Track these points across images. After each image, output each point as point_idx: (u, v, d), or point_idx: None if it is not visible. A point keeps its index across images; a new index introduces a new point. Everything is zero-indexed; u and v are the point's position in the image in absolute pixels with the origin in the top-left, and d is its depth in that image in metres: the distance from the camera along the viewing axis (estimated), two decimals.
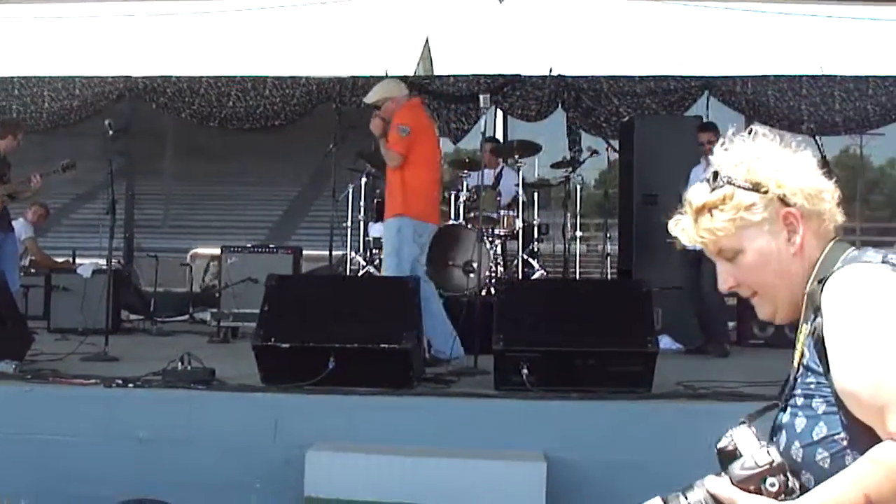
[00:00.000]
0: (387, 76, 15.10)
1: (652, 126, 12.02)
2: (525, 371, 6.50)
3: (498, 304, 7.05)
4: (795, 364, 2.43)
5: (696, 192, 2.58)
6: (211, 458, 6.22)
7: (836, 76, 14.85)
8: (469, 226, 9.97)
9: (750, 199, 2.46)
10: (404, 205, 8.45)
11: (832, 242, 2.46)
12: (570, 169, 11.90)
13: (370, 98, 8.90)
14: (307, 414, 6.30)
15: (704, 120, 11.11)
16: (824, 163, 8.46)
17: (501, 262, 10.74)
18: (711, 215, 2.53)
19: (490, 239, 10.33)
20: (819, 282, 2.36)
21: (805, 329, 2.40)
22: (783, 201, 2.44)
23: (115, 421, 6.39)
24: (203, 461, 6.21)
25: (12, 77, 15.93)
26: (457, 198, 10.42)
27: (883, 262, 2.32)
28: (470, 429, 6.20)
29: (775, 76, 14.88)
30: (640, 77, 14.95)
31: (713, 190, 2.52)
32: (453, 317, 9.26)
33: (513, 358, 6.58)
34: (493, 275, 10.16)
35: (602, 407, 6.26)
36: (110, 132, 9.30)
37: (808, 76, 14.89)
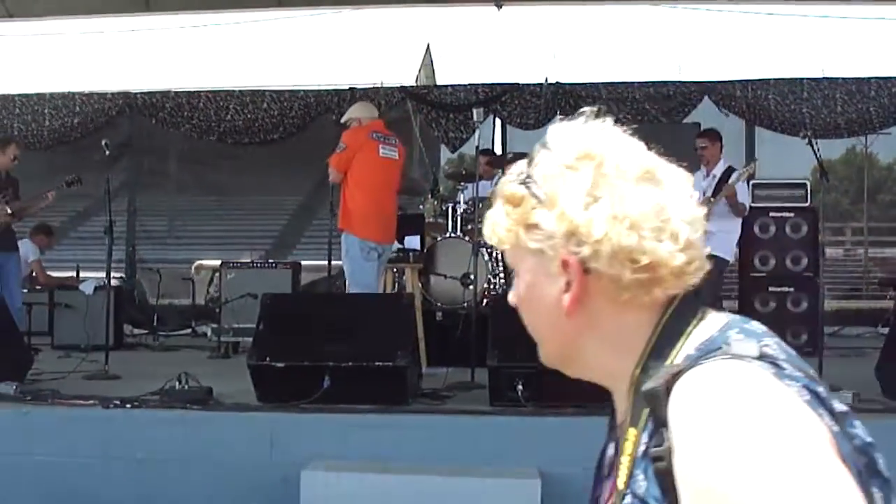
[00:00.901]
0: (382, 87, 15.18)
1: (650, 134, 11.87)
2: (520, 387, 6.51)
3: (492, 320, 7.05)
4: (620, 485, 1.65)
5: (504, 180, 1.85)
6: (208, 478, 6.25)
7: (837, 78, 14.81)
8: (466, 238, 9.97)
9: (536, 216, 1.73)
10: (344, 222, 9.03)
11: (672, 308, 1.71)
12: None
13: (343, 118, 9.62)
14: (303, 432, 6.33)
15: (702, 126, 11.07)
16: (822, 172, 8.50)
17: (501, 274, 10.72)
18: (505, 213, 1.79)
19: (488, 251, 10.33)
20: (649, 373, 1.63)
21: (633, 436, 1.65)
22: (568, 239, 1.69)
23: (113, 442, 6.43)
24: (200, 481, 6.25)
25: (13, 95, 16.01)
26: (454, 210, 10.41)
27: (760, 356, 1.57)
28: (465, 445, 6.22)
29: (776, 79, 14.85)
30: (638, 83, 14.95)
31: (516, 183, 1.81)
32: (451, 330, 9.34)
33: (507, 373, 6.59)
34: (492, 287, 10.16)
35: (597, 422, 6.19)
36: (107, 153, 9.35)
37: (809, 79, 14.85)
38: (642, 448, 1.61)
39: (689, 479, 1.47)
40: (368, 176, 9.04)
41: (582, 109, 1.86)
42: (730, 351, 1.57)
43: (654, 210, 1.66)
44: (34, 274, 12.77)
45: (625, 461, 1.64)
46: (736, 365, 1.53)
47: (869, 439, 1.54)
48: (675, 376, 1.55)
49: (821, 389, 1.52)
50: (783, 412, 1.46)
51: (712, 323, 1.69)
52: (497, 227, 1.77)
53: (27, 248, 12.16)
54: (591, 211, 1.66)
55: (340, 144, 9.07)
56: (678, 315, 1.70)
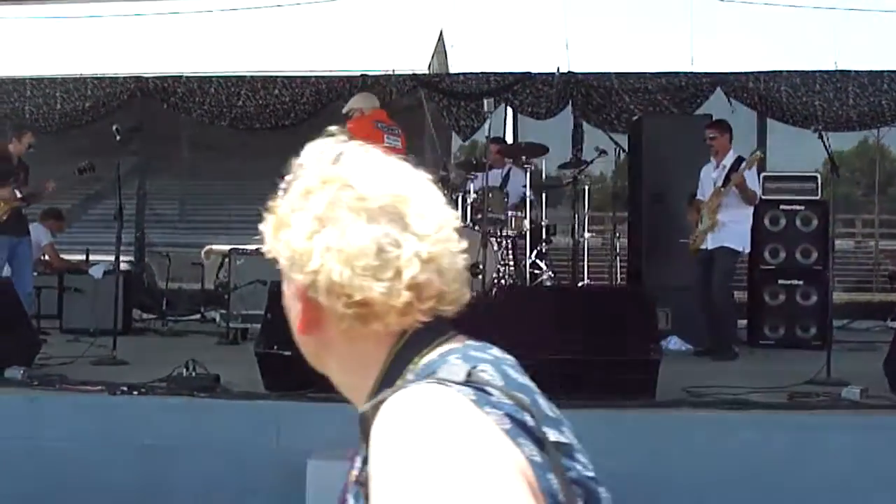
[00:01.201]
0: (394, 74, 15.17)
1: (661, 125, 12.02)
2: None
3: (498, 314, 7.03)
4: None
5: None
6: (214, 465, 6.26)
7: (850, 71, 14.75)
8: (476, 227, 9.96)
9: (280, 234, 1.73)
10: None
11: (404, 340, 1.68)
12: (577, 169, 11.86)
13: (344, 109, 9.72)
14: (309, 421, 6.32)
15: (714, 118, 11.04)
16: (832, 166, 8.48)
17: (512, 264, 10.71)
18: (267, 222, 1.76)
19: (498, 240, 10.31)
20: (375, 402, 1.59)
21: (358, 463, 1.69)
22: (291, 265, 1.70)
23: (120, 428, 6.44)
24: (206, 469, 6.26)
25: (24, 78, 16.03)
26: (464, 199, 10.40)
27: (466, 381, 1.55)
28: None
29: (788, 71, 14.82)
30: (651, 74, 14.91)
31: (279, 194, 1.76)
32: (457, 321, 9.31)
33: None
34: (502, 276, 10.15)
35: (604, 416, 6.24)
36: (118, 137, 9.36)
37: (821, 71, 14.81)
38: (354, 473, 1.69)
39: (375, 497, 1.45)
40: None
41: (331, 129, 1.83)
42: (435, 376, 1.56)
43: (374, 247, 1.63)
44: (47, 258, 12.79)
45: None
46: (433, 390, 1.53)
47: (590, 473, 1.59)
48: (382, 401, 1.55)
49: (527, 418, 1.53)
50: (467, 439, 1.44)
51: (443, 349, 1.67)
52: (263, 234, 1.76)
53: (39, 232, 12.20)
54: (314, 240, 1.65)
55: (347, 136, 8.94)
56: (410, 345, 1.68)
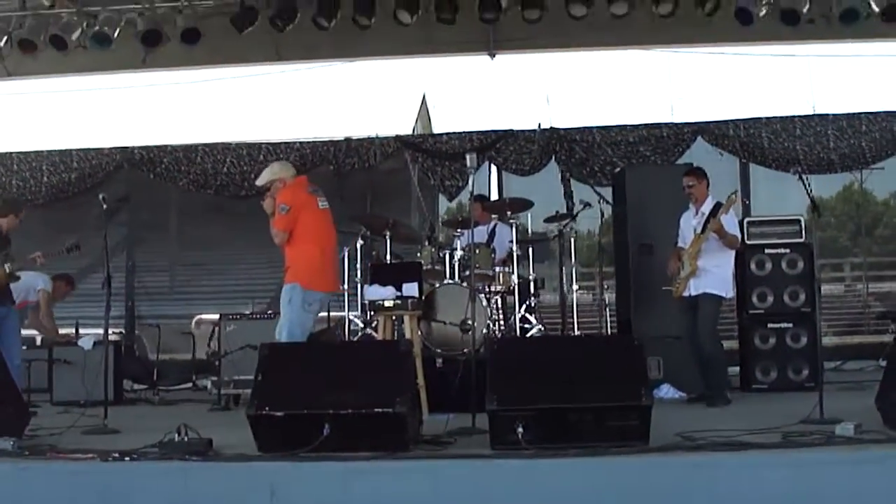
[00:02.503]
0: (377, 138, 15.27)
1: (643, 175, 12.05)
2: (520, 430, 6.51)
3: (490, 364, 7.05)
4: None
5: None
6: None
7: (828, 115, 14.94)
8: (464, 284, 9.99)
9: None
10: (294, 275, 9.13)
11: None
12: (563, 223, 11.91)
13: (260, 181, 9.53)
14: (304, 481, 6.29)
15: (694, 165, 11.12)
16: (813, 206, 8.53)
17: (501, 319, 10.72)
18: None
19: (487, 296, 10.33)
20: None
21: None
22: None
23: (112, 494, 6.39)
24: None
25: (11, 153, 16.10)
26: (451, 256, 10.44)
27: None
28: (467, 489, 6.18)
29: (768, 118, 14.98)
30: (632, 126, 15.03)
31: None
32: (451, 376, 9.33)
33: (507, 417, 6.58)
34: (492, 332, 10.16)
35: (599, 463, 6.24)
36: (104, 206, 9.39)
37: (800, 116, 15.00)
38: None
39: None
40: (316, 229, 9.29)
41: None
42: None
43: None
44: (38, 304, 12.64)
45: None
46: None
47: None
48: None
49: None
50: None
51: None
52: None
53: (38, 278, 12.17)
54: None
55: (282, 206, 9.13)
56: None
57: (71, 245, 10.64)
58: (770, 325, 11.29)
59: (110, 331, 9.96)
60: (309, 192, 9.47)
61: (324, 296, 9.37)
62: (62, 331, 13.20)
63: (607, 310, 12.15)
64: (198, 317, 15.36)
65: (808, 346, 11.13)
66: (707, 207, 10.10)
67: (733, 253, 10.21)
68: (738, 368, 11.53)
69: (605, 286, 12.26)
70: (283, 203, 9.15)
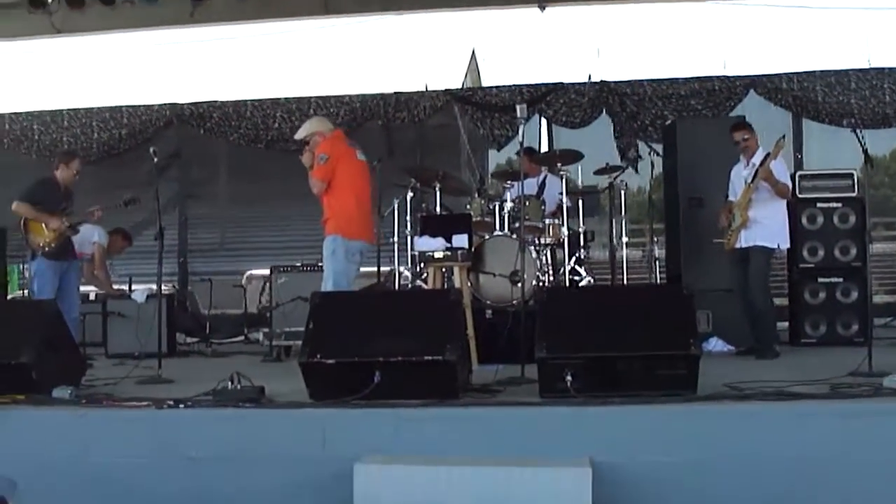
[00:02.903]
0: (427, 92, 15.26)
1: (694, 128, 11.99)
2: (569, 378, 6.52)
3: (540, 313, 7.06)
4: None
5: None
6: (262, 475, 6.29)
7: (884, 68, 14.77)
8: (514, 236, 9.99)
9: None
10: (335, 226, 9.30)
11: None
12: (614, 175, 11.88)
13: (299, 134, 9.78)
14: (355, 428, 6.35)
15: (747, 119, 11.04)
16: (866, 158, 8.45)
17: (550, 272, 10.73)
18: None
19: (536, 248, 10.33)
20: None
21: None
22: None
23: (167, 441, 6.48)
24: (254, 478, 6.29)
25: (62, 110, 16.28)
26: (501, 208, 10.44)
27: None
28: (516, 437, 6.22)
29: (822, 71, 14.84)
30: (683, 79, 14.95)
31: None
32: (500, 327, 9.36)
33: (556, 365, 6.60)
34: (542, 284, 10.16)
35: (646, 411, 6.26)
36: (155, 160, 9.48)
37: (855, 70, 14.83)
38: None
39: None
40: (355, 180, 9.47)
41: None
42: None
43: None
44: (93, 256, 12.80)
45: None
46: None
47: None
48: None
49: None
50: None
51: None
52: None
53: (94, 231, 12.33)
54: None
55: (321, 156, 9.30)
56: None
57: (129, 198, 10.79)
58: (820, 280, 11.27)
59: (163, 286, 10.08)
60: (348, 144, 9.67)
61: (364, 245, 9.51)
62: (115, 286, 13.36)
63: (657, 264, 12.14)
64: (248, 272, 15.46)
65: (857, 301, 11.10)
66: (758, 158, 10.04)
67: (784, 203, 10.15)
68: (786, 323, 11.51)
69: (655, 240, 12.23)
70: (323, 153, 9.32)
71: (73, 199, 11.00)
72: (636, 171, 12.33)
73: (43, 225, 10.59)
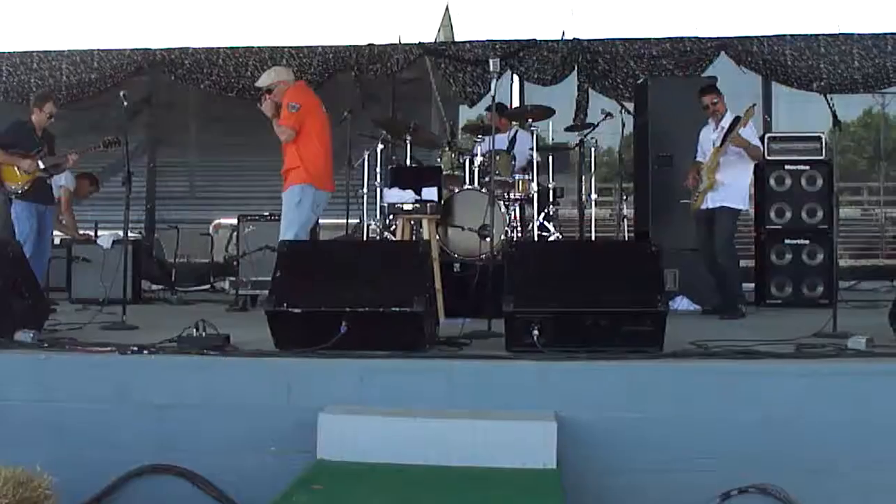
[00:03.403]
0: (400, 44, 15.18)
1: (665, 87, 12.00)
2: (536, 332, 6.53)
3: (508, 267, 7.05)
4: None
5: None
6: (225, 423, 6.28)
7: (853, 34, 14.81)
8: (483, 190, 9.98)
9: None
10: (306, 176, 9.23)
11: None
12: (584, 132, 11.89)
13: (262, 82, 9.70)
14: (320, 378, 6.33)
15: (720, 81, 11.04)
16: (835, 121, 8.48)
17: (518, 227, 10.74)
18: None
19: (506, 203, 10.33)
20: None
21: None
22: None
23: (130, 387, 6.44)
24: (217, 426, 6.28)
25: (31, 51, 16.12)
26: (471, 162, 10.43)
27: None
28: (481, 390, 6.22)
29: (792, 35, 14.87)
30: (655, 39, 14.94)
31: None
32: (468, 281, 9.36)
33: (523, 319, 6.60)
34: (510, 239, 10.16)
35: (612, 367, 6.27)
36: (124, 104, 9.41)
37: (825, 35, 14.86)
38: None
39: None
40: (322, 131, 9.45)
41: None
42: None
43: None
44: (59, 200, 12.71)
45: None
46: None
47: None
48: None
49: None
50: None
51: None
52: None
53: (62, 175, 12.23)
54: None
55: (291, 105, 9.24)
56: None
57: (109, 140, 10.62)
58: (787, 241, 11.35)
59: (129, 232, 10.03)
60: (315, 95, 9.73)
61: (328, 195, 9.52)
62: (81, 231, 13.27)
63: (625, 222, 12.17)
64: (216, 221, 15.42)
65: (823, 263, 11.22)
66: (726, 122, 10.08)
67: (751, 167, 10.21)
68: (752, 284, 11.58)
69: (624, 198, 12.26)
70: (294, 102, 9.26)
71: (55, 141, 11.00)
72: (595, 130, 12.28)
73: (15, 168, 10.51)
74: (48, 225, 10.92)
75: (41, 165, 10.54)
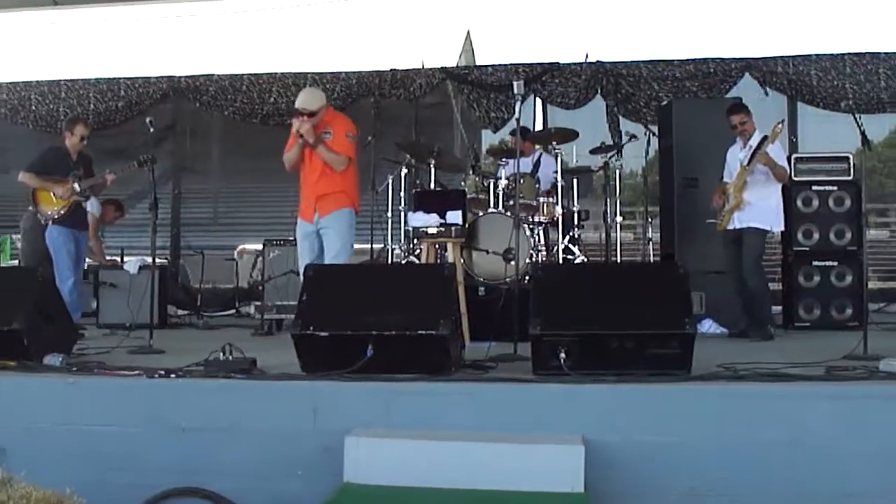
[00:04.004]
0: (423, 69, 15.21)
1: (690, 109, 11.97)
2: (562, 355, 6.51)
3: (534, 290, 7.03)
4: None
5: None
6: (252, 447, 6.28)
7: (880, 53, 14.72)
8: (508, 213, 9.97)
9: None
10: (351, 200, 9.17)
11: None
12: (609, 155, 11.87)
13: (311, 105, 9.11)
14: (346, 401, 6.33)
15: (739, 101, 10.99)
16: (864, 140, 8.43)
17: (543, 250, 10.72)
18: None
19: (530, 226, 10.31)
20: None
21: None
22: None
23: (157, 411, 6.47)
24: (244, 449, 6.28)
25: (59, 80, 16.24)
26: (495, 186, 10.43)
27: None
28: (508, 413, 6.20)
29: (817, 55, 14.79)
30: (679, 60, 14.91)
31: None
32: (493, 305, 9.32)
33: (550, 342, 6.58)
34: (535, 262, 10.14)
35: (640, 390, 6.24)
36: (151, 130, 9.45)
37: (851, 54, 14.77)
38: None
39: None
40: (354, 155, 9.27)
41: None
42: None
43: None
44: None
45: None
46: None
47: None
48: None
49: None
50: None
51: None
52: None
53: (89, 202, 12.24)
54: None
55: (349, 134, 9.13)
56: None
57: (144, 158, 10.37)
58: (815, 263, 11.24)
59: (156, 258, 10.04)
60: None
61: None
62: (108, 257, 13.33)
63: (650, 244, 12.12)
64: (241, 247, 15.43)
65: (852, 285, 11.10)
66: (754, 140, 10.03)
67: (779, 186, 10.15)
68: (780, 307, 11.51)
69: (650, 221, 12.21)
70: (350, 131, 9.14)
71: (93, 162, 10.99)
72: (620, 154, 12.21)
73: (51, 193, 10.54)
74: (83, 250, 10.97)
75: (77, 188, 10.53)
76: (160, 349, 8.64)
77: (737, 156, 10.20)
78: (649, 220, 12.23)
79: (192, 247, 15.58)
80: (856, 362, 7.21)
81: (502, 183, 10.41)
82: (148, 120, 9.56)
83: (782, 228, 10.44)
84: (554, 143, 11.19)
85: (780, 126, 9.82)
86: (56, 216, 10.50)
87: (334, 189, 9.12)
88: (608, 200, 11.86)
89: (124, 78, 16.15)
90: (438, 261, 9.69)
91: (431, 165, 10.73)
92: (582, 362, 6.54)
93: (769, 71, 14.67)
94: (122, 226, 13.97)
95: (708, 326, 10.61)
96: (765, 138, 9.84)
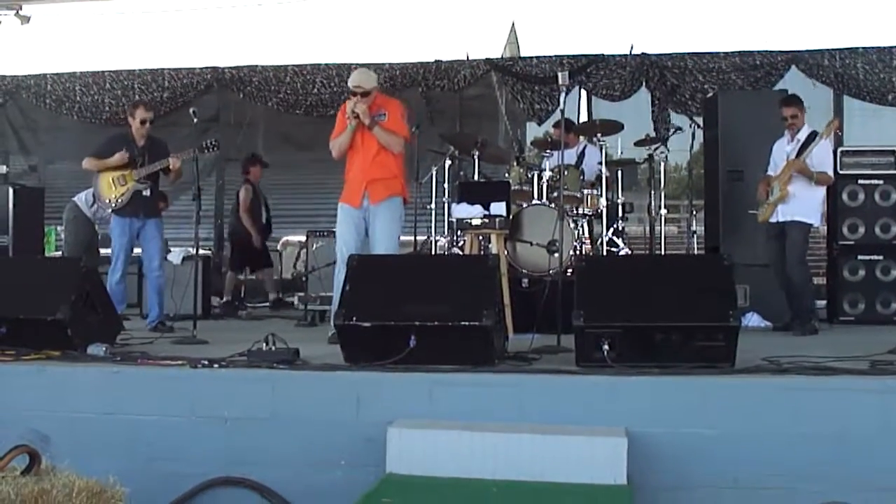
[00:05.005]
0: (467, 60, 15.19)
1: (736, 101, 11.87)
2: (606, 347, 6.49)
3: (578, 281, 7.00)
4: None
5: None
6: (295, 437, 6.30)
7: None
8: (552, 205, 9.93)
9: None
10: (402, 189, 9.06)
11: None
12: (653, 147, 11.80)
13: (367, 83, 8.94)
14: (389, 391, 6.33)
15: (790, 94, 10.88)
16: None
17: (587, 242, 10.68)
18: None
19: (574, 219, 10.27)
20: None
21: None
22: None
23: (200, 401, 6.49)
24: (287, 439, 6.30)
25: (104, 71, 16.35)
26: (539, 177, 10.38)
27: None
28: (551, 405, 6.18)
29: (864, 48, 14.65)
30: (724, 53, 14.81)
31: None
32: (536, 297, 9.29)
33: (593, 334, 6.56)
34: (578, 254, 10.10)
35: (683, 382, 6.21)
36: (195, 120, 9.47)
37: None
38: None
39: None
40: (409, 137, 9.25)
41: None
42: None
43: None
44: None
45: None
46: None
47: None
48: None
49: None
50: None
51: None
52: None
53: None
54: None
55: (405, 115, 9.05)
56: None
57: (209, 143, 10.17)
58: (860, 257, 11.17)
59: (200, 249, 10.04)
60: None
61: None
62: None
63: (695, 237, 12.05)
64: (284, 238, 15.47)
65: None
66: (803, 135, 9.94)
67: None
68: (824, 301, 11.44)
69: (694, 213, 12.14)
70: (404, 113, 9.08)
71: (163, 151, 10.38)
72: (665, 146, 12.14)
73: (110, 181, 10.25)
74: (149, 237, 10.37)
75: (136, 177, 10.22)
76: (203, 339, 8.67)
77: (783, 149, 10.10)
78: (694, 213, 12.16)
79: None
80: None
81: (546, 175, 10.34)
82: (192, 111, 9.59)
83: (821, 224, 10.36)
84: (598, 134, 11.14)
85: (835, 122, 9.76)
86: (115, 205, 10.24)
87: (387, 174, 8.97)
88: (652, 193, 11.82)
89: (168, 69, 16.25)
90: (482, 252, 9.66)
91: (475, 157, 10.70)
92: (625, 354, 6.52)
93: (815, 64, 14.54)
94: (165, 217, 13.91)
95: (751, 319, 10.55)
96: (814, 134, 9.76)
